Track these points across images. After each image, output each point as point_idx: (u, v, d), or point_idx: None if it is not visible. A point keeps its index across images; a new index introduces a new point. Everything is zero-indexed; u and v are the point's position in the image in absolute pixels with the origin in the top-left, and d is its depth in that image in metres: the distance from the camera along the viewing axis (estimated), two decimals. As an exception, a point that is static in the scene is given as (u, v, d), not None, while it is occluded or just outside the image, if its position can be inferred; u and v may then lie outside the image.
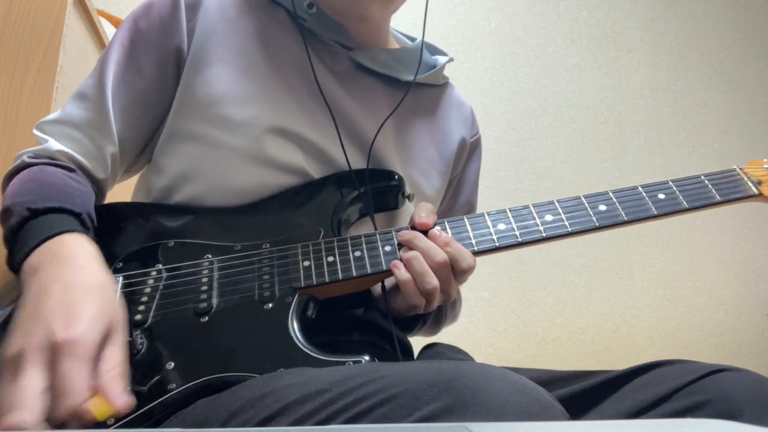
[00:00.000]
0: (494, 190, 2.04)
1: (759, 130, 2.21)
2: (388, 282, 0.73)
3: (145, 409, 0.58)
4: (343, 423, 0.44)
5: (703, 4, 2.31)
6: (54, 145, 0.75)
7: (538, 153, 2.10)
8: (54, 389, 0.49)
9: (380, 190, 0.79)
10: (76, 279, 0.58)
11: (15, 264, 0.62)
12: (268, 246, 0.70)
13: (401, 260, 0.68)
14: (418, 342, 0.82)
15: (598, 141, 2.14)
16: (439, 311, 0.86)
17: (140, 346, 0.62)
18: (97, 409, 0.50)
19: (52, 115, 0.79)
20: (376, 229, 0.75)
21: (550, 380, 0.66)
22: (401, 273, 0.67)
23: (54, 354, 0.50)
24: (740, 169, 0.74)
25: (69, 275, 0.58)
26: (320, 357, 0.60)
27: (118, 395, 0.50)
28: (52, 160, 0.75)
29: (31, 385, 0.49)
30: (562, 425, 0.39)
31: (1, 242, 0.67)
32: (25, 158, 0.74)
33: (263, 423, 0.48)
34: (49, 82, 1.02)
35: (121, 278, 0.68)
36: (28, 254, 0.61)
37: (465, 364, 0.47)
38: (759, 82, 2.26)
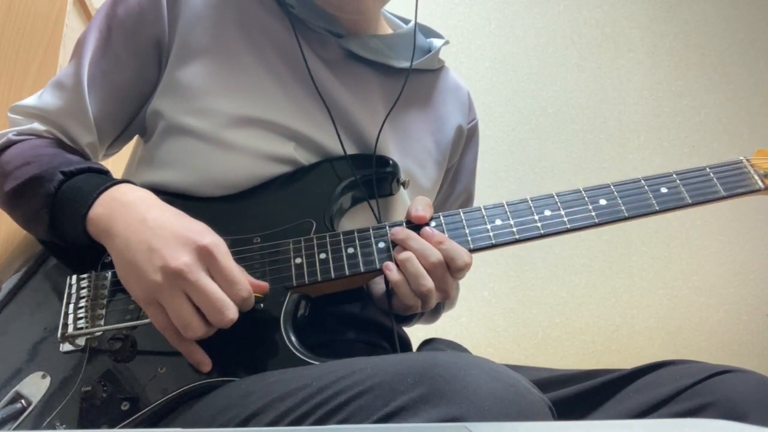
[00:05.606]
0: (494, 190, 2.03)
1: (759, 130, 2.21)
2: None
3: (139, 414, 0.58)
4: (322, 416, 0.45)
5: (703, 4, 2.31)
6: (39, 126, 0.74)
7: (538, 153, 2.10)
8: (223, 283, 0.57)
9: (375, 177, 0.76)
10: (165, 210, 0.62)
11: (73, 222, 0.63)
12: (259, 240, 0.68)
13: (394, 261, 0.66)
14: (416, 338, 0.82)
15: (598, 141, 2.14)
16: None
17: (132, 350, 0.61)
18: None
19: (29, 101, 0.77)
20: (378, 219, 0.74)
21: (552, 380, 0.66)
22: (393, 274, 0.65)
23: (207, 259, 0.57)
24: (747, 160, 0.71)
25: (155, 210, 0.61)
26: (311, 362, 0.59)
27: (258, 281, 0.61)
28: (40, 137, 0.74)
29: (214, 287, 0.56)
30: (562, 425, 0.39)
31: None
32: (11, 136, 0.73)
33: (247, 420, 0.50)
34: (49, 82, 1.01)
35: (109, 275, 0.67)
36: (89, 208, 0.63)
37: (441, 353, 0.47)
38: (759, 82, 2.26)
